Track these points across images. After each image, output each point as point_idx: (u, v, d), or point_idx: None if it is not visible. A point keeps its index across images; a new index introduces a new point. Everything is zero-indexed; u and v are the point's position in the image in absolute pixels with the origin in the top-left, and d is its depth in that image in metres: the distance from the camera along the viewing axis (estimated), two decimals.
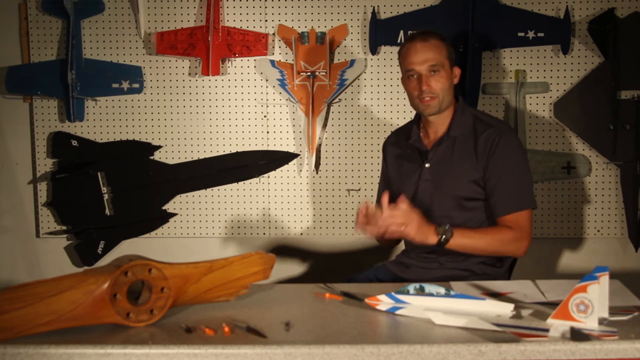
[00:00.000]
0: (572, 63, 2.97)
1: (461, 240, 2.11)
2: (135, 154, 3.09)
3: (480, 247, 2.15)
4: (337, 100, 3.02)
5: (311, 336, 1.56)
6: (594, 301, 1.53)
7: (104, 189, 3.09)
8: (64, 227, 3.13)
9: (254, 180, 3.09)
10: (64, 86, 2.99)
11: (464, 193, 2.22)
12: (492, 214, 2.20)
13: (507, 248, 2.17)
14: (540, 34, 2.92)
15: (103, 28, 3.06)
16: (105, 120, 3.09)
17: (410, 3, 2.98)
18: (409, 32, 2.93)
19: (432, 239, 2.07)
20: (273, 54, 3.03)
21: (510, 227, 2.16)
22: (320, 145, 3.05)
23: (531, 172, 2.91)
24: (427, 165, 2.28)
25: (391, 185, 2.43)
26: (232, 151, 3.08)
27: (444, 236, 2.07)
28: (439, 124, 2.29)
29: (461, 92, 2.88)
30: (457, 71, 2.30)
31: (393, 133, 2.52)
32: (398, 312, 1.67)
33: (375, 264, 2.53)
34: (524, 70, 2.97)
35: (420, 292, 1.69)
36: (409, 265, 2.33)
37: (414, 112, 2.99)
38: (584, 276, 1.55)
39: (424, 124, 2.34)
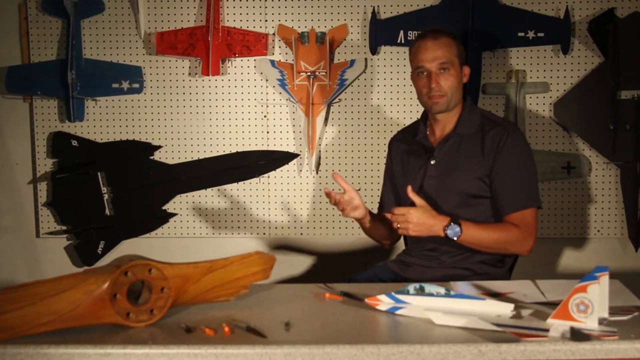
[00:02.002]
0: (572, 63, 2.97)
1: (470, 237, 2.11)
2: (135, 154, 3.09)
3: (487, 244, 2.15)
4: (337, 100, 3.02)
5: (311, 336, 1.56)
6: (594, 301, 1.53)
7: (104, 189, 3.09)
8: (64, 227, 3.13)
9: (254, 180, 3.09)
10: (64, 86, 3.00)
11: (468, 190, 2.22)
12: (499, 211, 2.20)
13: (513, 246, 2.18)
14: (540, 34, 2.91)
15: (103, 28, 3.06)
16: (105, 120, 3.09)
17: (410, 3, 2.98)
18: (411, 31, 2.94)
19: (438, 232, 2.10)
20: (273, 54, 3.03)
21: (517, 226, 2.16)
22: (320, 145, 3.05)
23: None
24: (432, 162, 2.28)
25: (395, 182, 2.42)
26: (232, 151, 3.08)
27: (450, 233, 2.09)
28: (446, 122, 2.29)
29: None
30: (466, 70, 2.31)
31: (400, 131, 2.52)
32: (398, 312, 1.67)
33: (376, 263, 2.53)
34: (524, 70, 2.97)
35: (420, 292, 1.68)
36: (410, 263, 2.33)
37: (415, 111, 3.01)
38: (584, 276, 1.55)
39: (431, 122, 2.34)
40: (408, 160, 2.37)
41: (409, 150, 2.38)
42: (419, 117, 2.43)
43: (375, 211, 2.49)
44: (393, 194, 2.45)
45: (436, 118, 2.30)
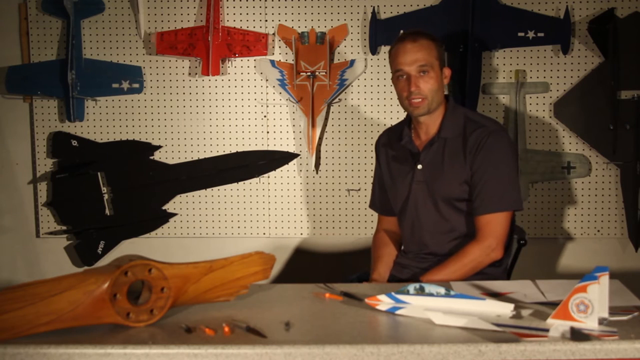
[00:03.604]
0: (572, 63, 2.97)
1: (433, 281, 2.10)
2: (135, 154, 3.09)
3: (455, 279, 2.11)
4: (337, 100, 3.02)
5: (311, 336, 1.56)
6: (594, 301, 1.53)
7: (104, 189, 3.09)
8: (64, 227, 3.13)
9: (254, 180, 3.09)
10: (64, 86, 3.00)
11: (456, 194, 2.21)
12: (472, 213, 2.21)
13: (482, 263, 2.17)
14: (540, 34, 2.92)
15: (103, 28, 3.06)
16: (105, 120, 3.09)
17: (410, 3, 2.98)
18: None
19: None
20: (273, 54, 3.03)
21: (477, 241, 2.16)
22: (320, 145, 3.05)
23: (531, 172, 2.95)
24: (419, 167, 2.27)
25: (384, 186, 2.42)
26: (232, 151, 3.08)
27: None
28: (430, 125, 2.28)
29: (461, 93, 2.89)
30: (447, 72, 2.28)
31: (384, 133, 2.49)
32: (398, 312, 1.66)
33: None
34: (524, 70, 2.97)
35: (420, 292, 1.68)
36: (406, 265, 2.33)
37: None
38: (584, 276, 1.55)
39: (414, 125, 2.33)
40: (396, 166, 2.35)
41: (395, 156, 2.36)
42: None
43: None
44: (385, 195, 2.44)
45: (419, 121, 2.28)
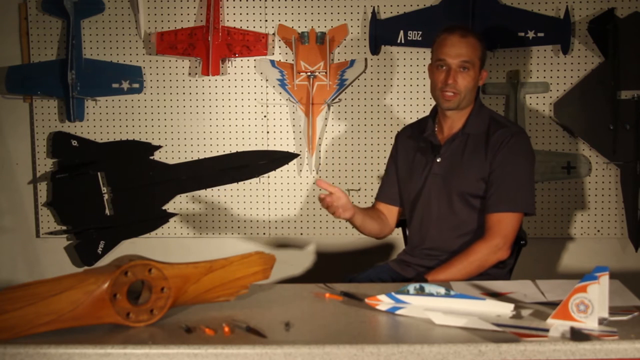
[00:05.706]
0: (572, 63, 2.97)
1: (438, 279, 2.10)
2: (135, 154, 3.09)
3: (460, 278, 2.11)
4: (337, 100, 3.02)
5: (311, 336, 1.56)
6: (594, 301, 1.53)
7: (104, 189, 3.09)
8: (64, 227, 3.13)
9: (254, 180, 3.09)
10: (64, 86, 3.00)
11: (471, 190, 2.22)
12: (484, 209, 2.21)
13: (488, 262, 2.17)
14: (540, 34, 2.92)
15: (103, 28, 3.06)
16: (105, 120, 3.09)
17: (410, 3, 2.98)
18: (411, 31, 2.94)
19: None
20: (273, 54, 3.03)
21: (485, 240, 2.16)
22: (320, 145, 3.05)
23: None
24: (438, 159, 2.28)
25: (398, 174, 2.41)
26: (232, 151, 3.08)
27: None
28: (455, 120, 2.29)
29: None
30: (484, 74, 2.30)
31: (408, 126, 2.50)
32: (398, 312, 1.66)
33: (377, 263, 2.53)
34: (524, 70, 2.97)
35: (420, 292, 1.68)
36: (410, 263, 2.33)
37: (415, 111, 3.01)
38: (584, 276, 1.55)
39: (440, 119, 2.34)
40: (414, 157, 2.36)
41: (416, 147, 2.37)
42: (427, 114, 2.42)
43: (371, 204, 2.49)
44: (395, 186, 2.43)
45: (445, 115, 2.29)
